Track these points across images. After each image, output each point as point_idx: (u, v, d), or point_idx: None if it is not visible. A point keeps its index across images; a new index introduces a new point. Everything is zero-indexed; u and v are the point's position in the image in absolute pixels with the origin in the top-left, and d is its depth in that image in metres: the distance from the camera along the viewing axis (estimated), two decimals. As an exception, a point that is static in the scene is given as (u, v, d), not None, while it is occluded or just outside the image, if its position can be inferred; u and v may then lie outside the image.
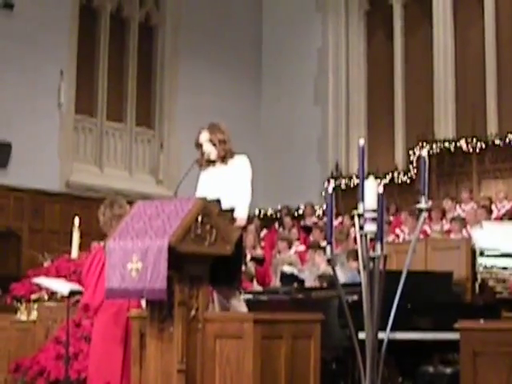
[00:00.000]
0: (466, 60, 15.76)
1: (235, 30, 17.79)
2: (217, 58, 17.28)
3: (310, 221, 14.76)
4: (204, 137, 5.94)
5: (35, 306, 9.34)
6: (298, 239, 13.35)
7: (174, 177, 15.71)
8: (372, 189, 4.45)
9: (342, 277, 8.67)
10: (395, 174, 15.80)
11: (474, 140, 14.84)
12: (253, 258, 11.68)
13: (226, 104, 16.84)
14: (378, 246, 4.35)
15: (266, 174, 16.39)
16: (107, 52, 16.25)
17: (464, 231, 10.75)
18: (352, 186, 15.88)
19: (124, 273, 4.55)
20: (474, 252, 9.18)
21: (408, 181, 15.52)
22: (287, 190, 16.80)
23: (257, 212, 16.54)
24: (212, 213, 4.74)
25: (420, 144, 15.24)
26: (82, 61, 15.68)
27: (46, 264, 10.28)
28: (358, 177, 4.55)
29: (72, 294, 6.62)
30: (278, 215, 16.36)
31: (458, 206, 12.89)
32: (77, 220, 10.34)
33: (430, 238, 10.97)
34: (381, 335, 4.40)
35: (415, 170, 15.31)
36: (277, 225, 15.54)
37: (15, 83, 14.35)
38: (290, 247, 12.32)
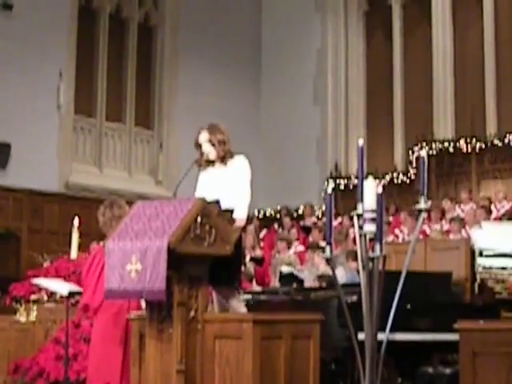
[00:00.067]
0: (465, 60, 15.77)
1: (234, 31, 17.79)
2: (216, 59, 17.28)
3: (309, 221, 14.76)
4: (203, 137, 5.94)
5: (35, 306, 9.34)
6: (298, 239, 13.35)
7: (174, 177, 15.70)
8: (371, 189, 4.45)
9: (342, 277, 8.68)
10: (394, 175, 15.80)
11: (474, 140, 14.84)
12: (252, 259, 11.68)
13: (226, 104, 16.84)
14: (378, 247, 4.35)
15: (265, 175, 16.38)
16: (106, 52, 16.25)
17: (463, 231, 10.75)
18: (351, 186, 15.88)
19: (123, 273, 4.55)
20: (473, 252, 9.17)
21: (407, 181, 15.52)
22: (286, 190, 16.80)
23: (256, 212, 16.54)
24: (211, 213, 4.74)
25: (419, 144, 15.24)
26: (82, 61, 15.68)
27: (45, 265, 10.29)
28: (357, 177, 4.55)
29: (71, 294, 6.62)
30: (278, 215, 16.36)
31: (457, 207, 12.90)
32: (76, 220, 10.34)
33: (430, 238, 10.97)
34: (380, 336, 4.40)
35: (414, 170, 15.31)
36: (276, 225, 15.55)
37: (14, 84, 14.34)
38: (289, 247, 12.32)
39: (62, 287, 6.85)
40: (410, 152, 15.54)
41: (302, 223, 14.71)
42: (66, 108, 15.27)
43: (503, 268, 8.91)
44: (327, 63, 17.34)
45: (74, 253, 10.15)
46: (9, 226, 14.51)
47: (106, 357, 5.45)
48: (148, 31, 17.16)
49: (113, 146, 16.40)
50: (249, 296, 7.41)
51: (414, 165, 15.33)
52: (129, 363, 5.13)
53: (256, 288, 10.18)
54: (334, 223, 12.42)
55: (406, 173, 15.65)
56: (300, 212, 16.05)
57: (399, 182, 15.65)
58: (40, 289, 9.10)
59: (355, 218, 4.49)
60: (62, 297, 8.15)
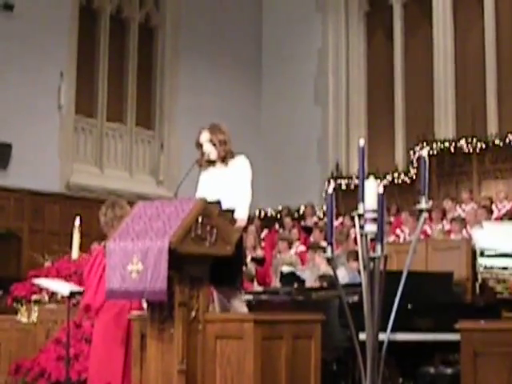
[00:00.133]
0: (465, 60, 15.76)
1: (235, 31, 17.80)
2: (217, 59, 17.29)
3: (310, 221, 14.76)
4: (204, 137, 5.94)
5: (36, 307, 9.34)
6: (299, 239, 13.35)
7: (175, 177, 15.70)
8: (372, 189, 4.45)
9: (344, 277, 8.67)
10: (395, 175, 15.80)
11: (474, 140, 14.84)
12: (253, 259, 11.68)
13: (226, 104, 16.85)
14: (379, 247, 4.35)
15: (266, 175, 16.38)
16: (107, 53, 16.25)
17: (464, 231, 10.75)
18: (352, 186, 15.88)
19: (124, 274, 4.55)
20: (474, 252, 9.17)
21: (408, 181, 15.52)
22: (287, 190, 16.80)
23: (257, 212, 16.54)
24: (212, 213, 4.74)
25: (420, 144, 15.24)
26: (82, 62, 15.68)
27: (46, 265, 10.29)
28: (358, 177, 4.55)
29: (73, 294, 6.62)
30: (279, 216, 16.36)
31: (458, 207, 12.89)
32: (77, 221, 10.34)
33: (431, 238, 10.97)
34: (381, 336, 4.40)
35: (415, 171, 15.30)
36: (277, 225, 15.54)
37: (15, 84, 14.34)
38: (290, 248, 12.32)
39: (63, 287, 6.84)
40: (411, 152, 15.54)
41: (303, 223, 14.71)
42: (66, 108, 15.27)
43: (504, 268, 8.91)
44: (328, 63, 17.34)
45: (75, 253, 10.15)
46: (10, 227, 14.52)
47: (108, 357, 5.45)
48: (149, 32, 17.16)
49: (114, 146, 16.40)
50: (250, 296, 7.41)
51: (415, 165, 15.33)
52: (130, 363, 5.13)
53: (257, 288, 10.18)
54: (335, 223, 12.41)
55: (406, 173, 15.65)
56: (301, 212, 16.05)
57: (400, 182, 15.65)
58: (41, 289, 9.10)
59: (356, 218, 4.49)
60: (63, 297, 8.15)
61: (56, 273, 9.34)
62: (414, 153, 15.38)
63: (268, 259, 12.16)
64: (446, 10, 15.91)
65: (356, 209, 4.48)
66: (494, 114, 15.14)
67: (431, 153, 14.94)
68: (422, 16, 16.47)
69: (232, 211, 5.56)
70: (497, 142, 14.58)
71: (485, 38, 15.33)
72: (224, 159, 5.91)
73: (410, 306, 6.27)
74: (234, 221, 5.54)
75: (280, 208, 16.43)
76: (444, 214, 12.34)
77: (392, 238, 11.78)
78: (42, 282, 7.64)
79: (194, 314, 4.63)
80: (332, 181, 16.43)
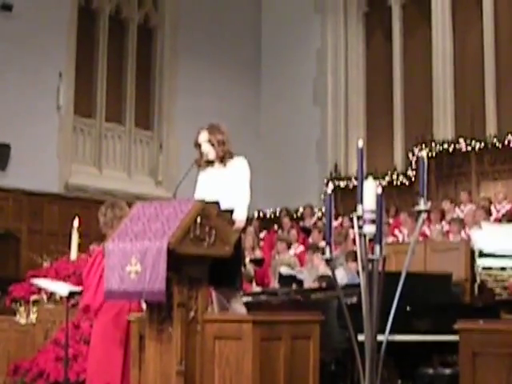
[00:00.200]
0: (464, 61, 15.76)
1: (234, 31, 17.80)
2: (216, 60, 17.28)
3: (309, 222, 14.75)
4: (203, 137, 5.94)
5: (34, 307, 9.33)
6: (297, 240, 13.34)
7: (174, 178, 15.69)
8: (371, 190, 4.44)
9: (343, 278, 8.67)
10: (394, 175, 15.79)
11: (473, 141, 14.83)
12: (252, 260, 11.68)
13: (225, 105, 16.84)
14: (377, 248, 4.35)
15: (265, 175, 16.38)
16: (106, 53, 16.25)
17: (463, 232, 10.75)
18: (351, 187, 15.88)
19: (123, 274, 4.55)
20: (473, 253, 9.17)
21: (407, 182, 15.51)
22: (286, 191, 16.80)
23: (256, 213, 16.54)
24: (211, 214, 4.74)
25: (419, 145, 15.24)
26: (81, 62, 15.68)
27: (45, 265, 10.28)
28: (356, 178, 4.56)
29: (71, 294, 6.61)
30: (277, 216, 16.35)
31: (457, 208, 12.89)
32: (76, 221, 10.33)
33: (430, 239, 10.97)
34: (380, 337, 4.39)
35: (414, 171, 15.30)
36: (276, 226, 15.53)
37: (14, 84, 14.33)
38: (289, 248, 12.32)
39: (61, 288, 6.84)
40: (410, 153, 15.54)
41: (301, 224, 14.71)
42: (65, 109, 15.27)
43: (503, 269, 8.92)
44: (327, 64, 17.34)
45: (73, 254, 10.13)
46: (8, 227, 14.51)
47: (106, 358, 5.45)
48: (148, 32, 17.15)
49: (112, 146, 16.39)
50: (249, 297, 7.41)
51: (414, 166, 15.33)
52: (129, 364, 5.13)
53: (256, 289, 10.17)
54: (334, 224, 12.40)
55: (405, 174, 15.64)
56: (300, 213, 16.04)
57: (399, 182, 15.64)
58: (40, 290, 9.09)
59: (355, 219, 4.48)
60: (61, 298, 8.14)
61: (55, 273, 9.33)
62: (413, 154, 15.37)
63: (267, 260, 12.16)
64: (445, 11, 15.91)
65: (355, 209, 4.48)
66: (492, 114, 15.14)
67: (430, 154, 14.94)
68: (420, 17, 16.47)
69: (231, 212, 5.56)
70: (495, 142, 14.57)
71: (483, 39, 15.33)
72: (222, 159, 5.91)
73: (408, 307, 6.27)
74: (232, 221, 5.54)
75: (279, 209, 16.42)
76: (443, 214, 12.33)
77: (391, 239, 11.78)
78: (41, 282, 7.63)
79: (192, 314, 4.63)
80: (331, 181, 16.41)
